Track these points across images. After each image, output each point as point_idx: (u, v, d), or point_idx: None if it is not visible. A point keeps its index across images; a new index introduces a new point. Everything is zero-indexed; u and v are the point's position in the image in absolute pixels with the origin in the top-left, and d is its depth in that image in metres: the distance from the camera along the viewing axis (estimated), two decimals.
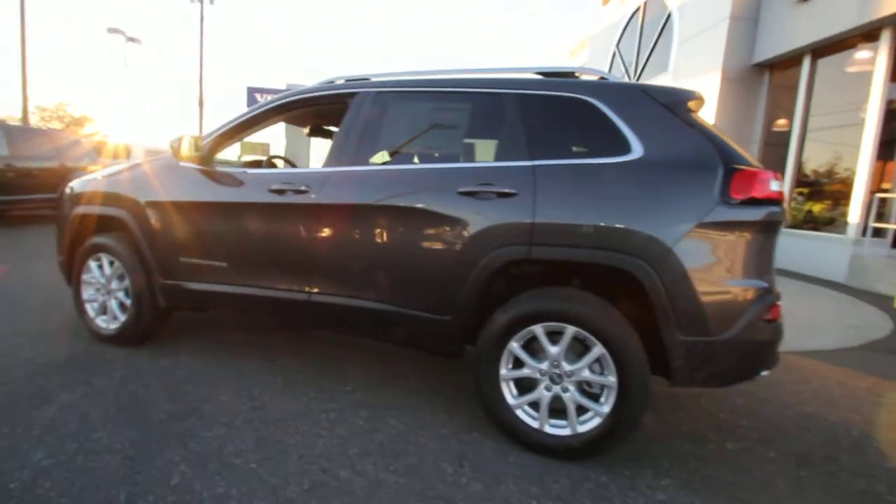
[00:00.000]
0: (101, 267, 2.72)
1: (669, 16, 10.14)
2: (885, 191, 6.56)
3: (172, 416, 1.99)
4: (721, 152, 1.73)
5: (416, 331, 2.02)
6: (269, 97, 2.38)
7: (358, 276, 2.09)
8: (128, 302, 2.63)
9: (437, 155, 2.20)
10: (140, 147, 9.58)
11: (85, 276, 2.77)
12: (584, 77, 2.04)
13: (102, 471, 1.61)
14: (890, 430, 2.40)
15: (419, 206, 1.95)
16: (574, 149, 1.89)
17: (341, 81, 2.42)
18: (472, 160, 2.08)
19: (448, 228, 1.91)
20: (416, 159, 2.15)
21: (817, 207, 7.32)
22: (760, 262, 1.73)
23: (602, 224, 1.72)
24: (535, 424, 1.85)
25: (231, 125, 2.48)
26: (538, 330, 1.81)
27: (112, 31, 22.44)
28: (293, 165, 3.02)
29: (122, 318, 2.66)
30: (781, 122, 7.95)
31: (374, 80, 2.33)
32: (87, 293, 2.79)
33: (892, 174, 6.66)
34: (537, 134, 1.91)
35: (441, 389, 2.41)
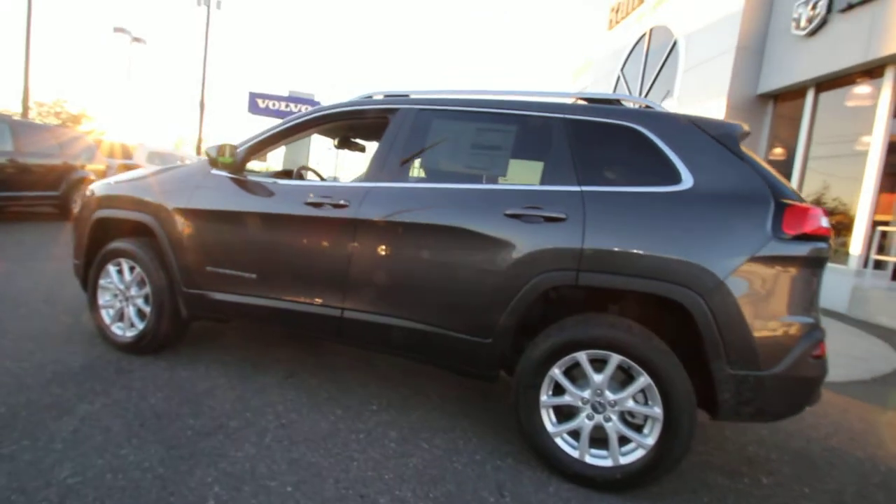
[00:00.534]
0: (120, 272, 2.66)
1: (675, 43, 10.36)
2: (887, 223, 6.68)
3: (198, 432, 1.93)
4: (771, 186, 1.74)
5: (454, 352, 1.99)
6: (308, 108, 2.36)
7: (396, 294, 2.05)
8: (147, 309, 2.56)
9: (480, 175, 2.19)
10: (144, 149, 9.50)
11: (102, 281, 2.71)
12: (630, 104, 2.06)
13: (133, 490, 1.54)
14: None
15: (464, 226, 1.93)
16: (622, 176, 1.89)
17: (380, 97, 2.42)
18: (517, 182, 2.07)
19: (493, 250, 1.89)
20: (459, 179, 2.14)
21: None
22: (808, 298, 1.73)
23: (654, 254, 1.71)
24: (574, 454, 1.82)
25: (267, 135, 2.46)
26: (582, 357, 1.79)
27: (118, 30, 22.39)
28: (321, 177, 2.99)
29: (140, 325, 2.59)
30: (779, 150, 8.11)
31: (413, 96, 2.33)
32: (103, 298, 2.72)
33: (893, 207, 6.79)
34: (585, 159, 1.91)
35: (467, 411, 2.37)
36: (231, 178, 2.42)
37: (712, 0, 8.99)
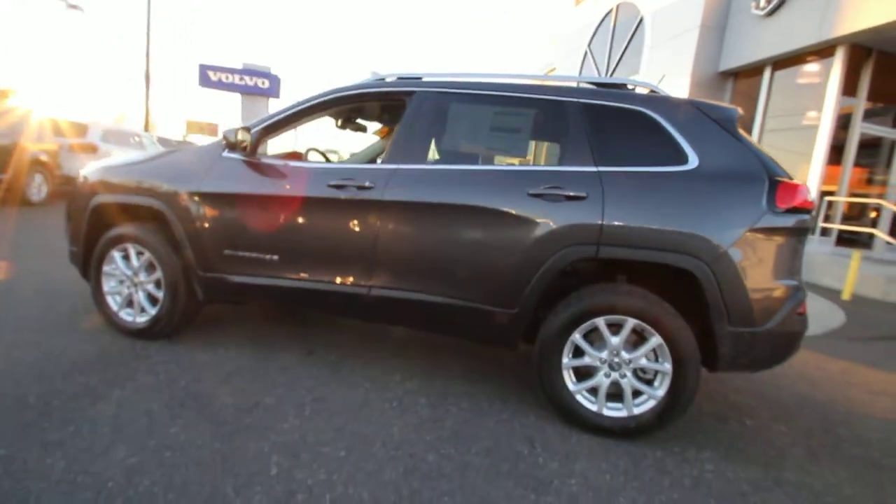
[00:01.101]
0: (126, 258, 2.61)
1: (641, 20, 10.61)
2: (832, 193, 7.32)
3: (239, 409, 2.00)
4: (765, 165, 1.96)
5: (481, 324, 2.13)
6: (329, 89, 2.35)
7: (424, 271, 2.16)
8: (159, 294, 2.55)
9: (499, 156, 2.30)
10: (99, 127, 8.87)
11: (107, 268, 2.65)
12: (637, 89, 2.21)
13: (196, 465, 1.62)
14: (869, 405, 2.79)
15: (491, 205, 2.05)
16: (634, 157, 2.05)
17: (392, 79, 2.45)
18: (535, 163, 2.19)
19: (519, 228, 2.02)
20: (479, 160, 2.24)
21: None
22: (794, 263, 1.98)
23: (667, 228, 1.90)
24: (593, 408, 2.03)
25: (280, 117, 2.45)
26: (600, 322, 1.98)
27: None
28: (327, 159, 3.00)
29: (153, 310, 2.58)
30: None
31: (427, 79, 2.38)
32: (108, 285, 2.67)
33: (838, 178, 7.42)
34: (600, 141, 2.06)
35: (486, 378, 2.54)
36: (245, 161, 2.42)
37: None
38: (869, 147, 7.50)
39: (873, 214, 7.79)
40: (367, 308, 2.28)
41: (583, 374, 2.08)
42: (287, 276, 2.36)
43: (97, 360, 2.33)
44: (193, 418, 1.90)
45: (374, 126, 3.39)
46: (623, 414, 2.00)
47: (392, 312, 2.27)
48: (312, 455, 1.72)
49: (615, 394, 2.03)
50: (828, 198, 6.94)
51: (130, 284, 2.63)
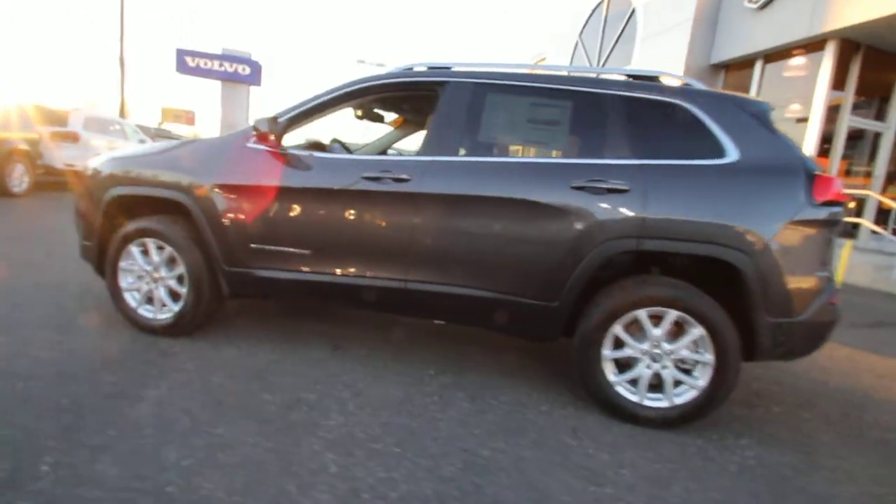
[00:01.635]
0: (145, 253, 2.52)
1: (633, 11, 10.66)
2: None
3: (281, 406, 1.96)
4: (802, 159, 1.99)
5: (522, 317, 2.13)
6: (354, 79, 2.30)
7: (463, 264, 2.14)
8: (182, 290, 2.47)
9: (536, 148, 2.28)
10: (80, 114, 8.49)
11: (124, 263, 2.56)
12: (670, 81, 2.21)
13: (254, 465, 1.58)
14: (882, 391, 2.90)
15: (532, 198, 2.04)
16: (673, 150, 2.06)
17: (422, 69, 2.41)
18: (572, 156, 2.19)
19: (560, 220, 2.02)
20: (518, 152, 2.22)
21: None
22: (827, 255, 2.03)
23: (708, 220, 1.92)
24: (634, 399, 2.06)
25: (307, 106, 2.38)
26: (642, 314, 2.00)
27: None
28: (349, 150, 2.93)
29: (175, 307, 2.50)
30: None
31: (458, 69, 2.35)
32: (125, 281, 2.58)
33: (826, 170, 7.63)
34: (640, 134, 2.06)
35: (519, 370, 2.56)
36: (272, 152, 2.35)
37: None
38: (854, 139, 7.74)
39: (852, 205, 8.05)
40: (404, 302, 2.26)
41: (622, 365, 2.11)
42: (318, 270, 2.32)
43: (123, 359, 2.26)
44: (237, 417, 1.86)
45: (389, 116, 3.34)
46: (664, 404, 2.04)
47: (429, 306, 2.26)
48: (366, 452, 1.71)
49: (654, 385, 2.07)
50: None
51: (150, 280, 2.54)
